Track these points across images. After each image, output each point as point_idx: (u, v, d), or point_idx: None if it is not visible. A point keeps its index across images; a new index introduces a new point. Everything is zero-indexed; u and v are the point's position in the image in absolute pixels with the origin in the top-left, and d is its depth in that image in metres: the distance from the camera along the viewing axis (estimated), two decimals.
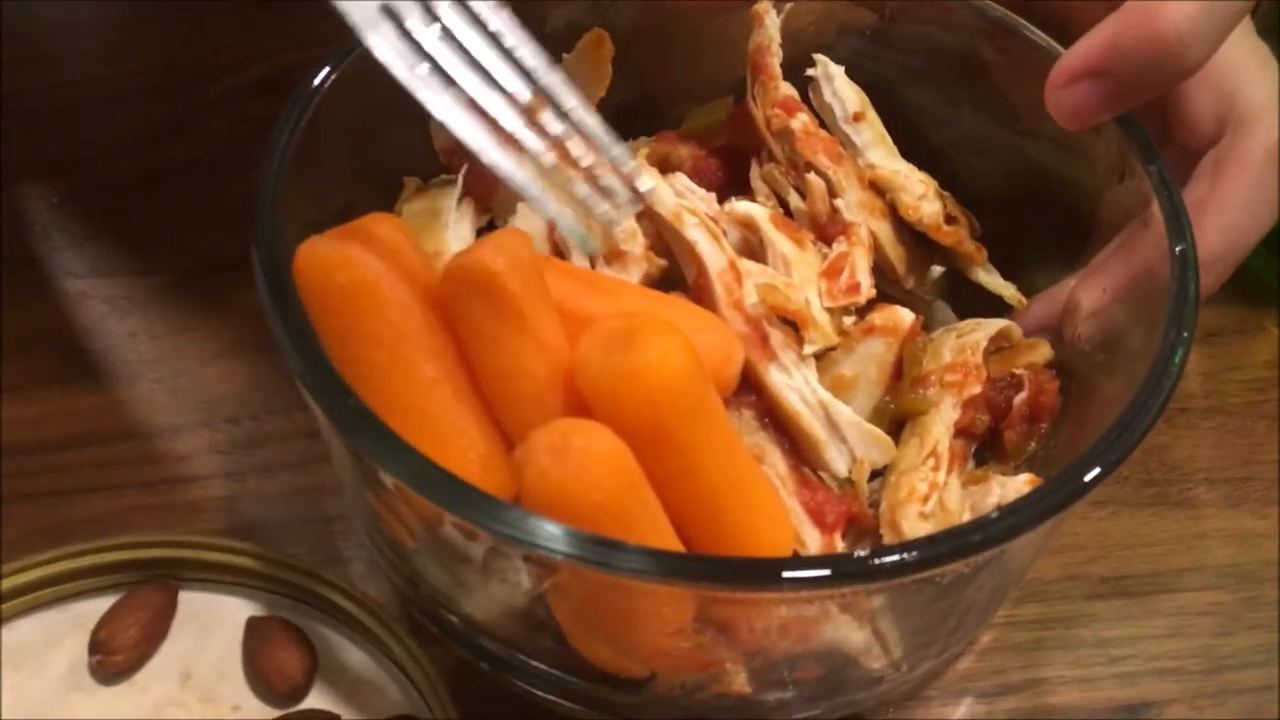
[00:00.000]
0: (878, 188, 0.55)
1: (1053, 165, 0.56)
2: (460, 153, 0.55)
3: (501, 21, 0.43)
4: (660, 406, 0.41)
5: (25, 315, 0.62)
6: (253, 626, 0.51)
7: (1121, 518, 0.60)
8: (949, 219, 0.55)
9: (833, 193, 0.54)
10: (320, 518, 0.57)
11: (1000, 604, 0.53)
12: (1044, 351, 0.53)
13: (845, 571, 0.40)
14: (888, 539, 0.48)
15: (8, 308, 0.63)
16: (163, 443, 0.59)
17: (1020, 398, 0.52)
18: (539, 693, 0.49)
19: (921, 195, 0.54)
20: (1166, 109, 0.55)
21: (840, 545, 0.48)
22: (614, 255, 0.52)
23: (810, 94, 0.57)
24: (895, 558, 0.39)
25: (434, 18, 0.42)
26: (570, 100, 0.43)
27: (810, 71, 0.57)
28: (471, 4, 0.43)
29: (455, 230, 0.54)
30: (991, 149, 0.58)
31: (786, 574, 0.39)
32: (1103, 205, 0.53)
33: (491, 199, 0.55)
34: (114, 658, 0.50)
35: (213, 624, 0.52)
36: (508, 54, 0.43)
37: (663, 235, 0.53)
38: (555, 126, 0.43)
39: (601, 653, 0.45)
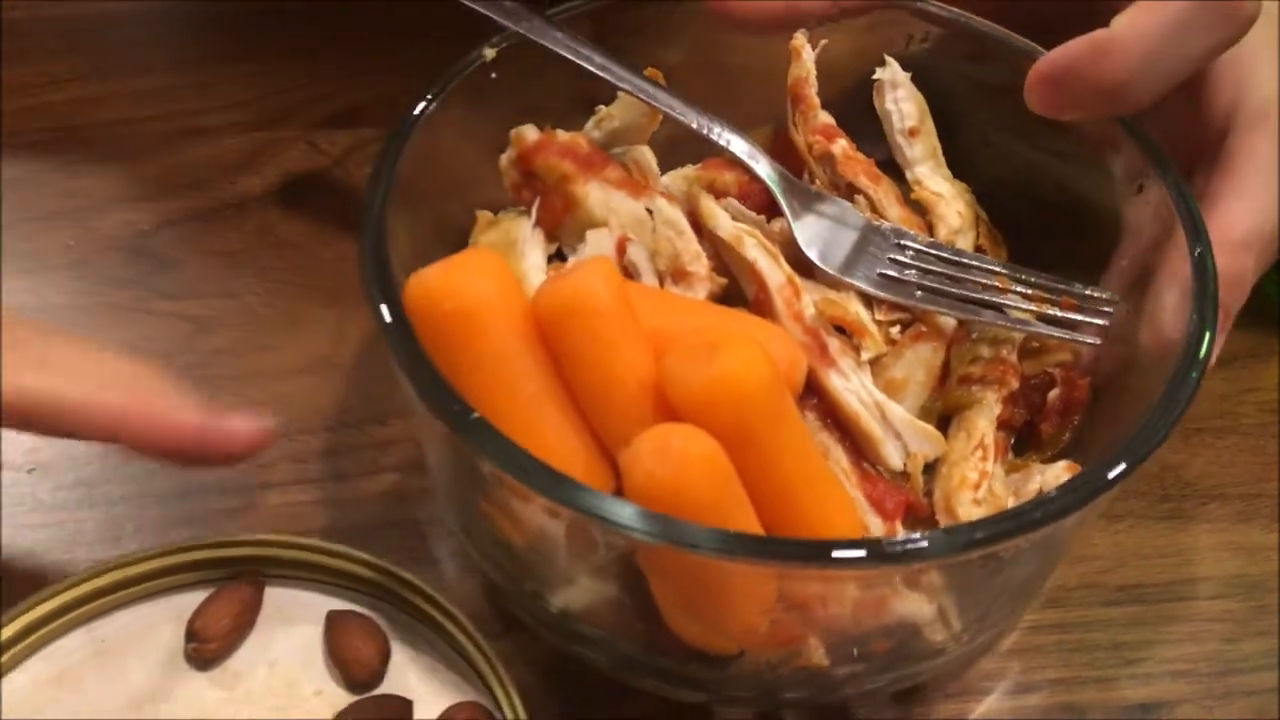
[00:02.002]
0: (918, 206, 0.59)
1: (1072, 180, 0.60)
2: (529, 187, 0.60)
3: None
4: (744, 410, 0.45)
5: (120, 333, 0.67)
6: (332, 619, 0.55)
7: (1138, 531, 0.62)
8: (979, 250, 0.59)
9: (874, 211, 0.58)
10: (392, 521, 0.61)
11: (1043, 583, 0.57)
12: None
13: (941, 546, 0.44)
14: (943, 523, 0.52)
15: (103, 327, 0.67)
16: None
17: (1054, 393, 0.56)
18: (630, 673, 0.53)
19: (957, 229, 0.58)
20: (1191, 99, 0.57)
21: (900, 531, 0.53)
22: (680, 275, 0.56)
23: (874, 97, 0.61)
24: (982, 532, 0.44)
25: None
26: None
27: (878, 74, 0.61)
28: None
29: (529, 259, 0.58)
30: (1014, 165, 0.62)
31: (889, 550, 0.44)
32: (1122, 216, 0.57)
33: (559, 228, 0.59)
34: (208, 645, 0.54)
35: (296, 617, 0.56)
36: None
37: (722, 256, 0.57)
38: None
39: (695, 631, 0.50)
